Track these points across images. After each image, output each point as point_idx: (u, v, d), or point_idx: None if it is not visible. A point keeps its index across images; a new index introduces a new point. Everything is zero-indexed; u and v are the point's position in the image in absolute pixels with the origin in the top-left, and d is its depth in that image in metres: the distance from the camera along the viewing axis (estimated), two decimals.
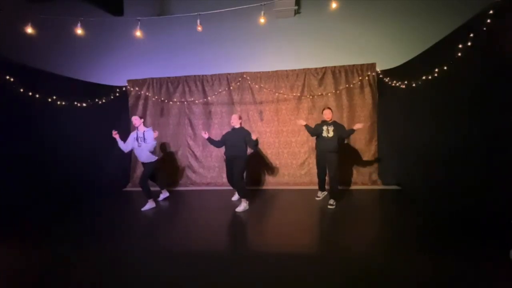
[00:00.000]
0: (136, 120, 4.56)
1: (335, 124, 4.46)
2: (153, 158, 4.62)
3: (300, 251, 2.88)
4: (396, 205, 4.54)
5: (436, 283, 2.16)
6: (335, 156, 4.34)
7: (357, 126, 4.25)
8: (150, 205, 4.60)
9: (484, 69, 3.08)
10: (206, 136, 4.48)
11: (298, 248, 2.94)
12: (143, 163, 4.63)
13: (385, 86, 5.51)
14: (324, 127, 4.41)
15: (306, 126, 4.59)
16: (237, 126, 4.48)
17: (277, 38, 6.13)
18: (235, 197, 4.88)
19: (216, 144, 4.58)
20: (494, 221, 2.89)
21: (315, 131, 4.53)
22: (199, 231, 3.56)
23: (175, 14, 6.02)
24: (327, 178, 4.66)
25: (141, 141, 4.47)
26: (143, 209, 4.52)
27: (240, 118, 4.55)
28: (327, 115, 4.47)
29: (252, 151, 5.25)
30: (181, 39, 6.39)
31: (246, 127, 6.06)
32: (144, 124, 6.33)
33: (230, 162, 4.48)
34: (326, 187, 4.81)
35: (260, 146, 6.13)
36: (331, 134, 4.34)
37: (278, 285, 2.23)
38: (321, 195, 4.84)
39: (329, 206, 4.24)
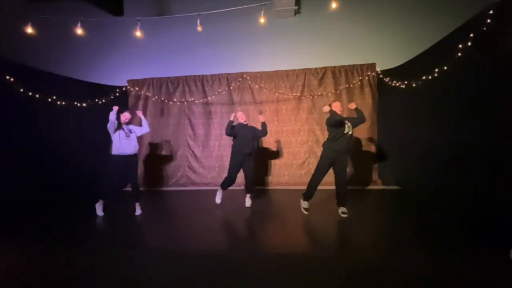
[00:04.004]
0: (129, 115, 4.23)
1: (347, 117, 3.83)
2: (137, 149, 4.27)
3: (300, 251, 2.87)
4: (396, 205, 4.54)
5: (435, 283, 2.16)
6: (347, 158, 3.84)
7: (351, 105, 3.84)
8: (140, 208, 4.32)
9: (484, 69, 3.08)
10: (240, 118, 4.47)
11: (298, 248, 2.94)
12: (130, 156, 4.14)
13: (385, 86, 5.51)
14: (346, 121, 3.68)
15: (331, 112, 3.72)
16: (244, 122, 4.45)
17: (277, 38, 6.13)
18: (218, 199, 4.63)
19: (230, 132, 4.34)
20: (494, 221, 2.89)
21: (340, 121, 3.68)
22: (199, 231, 3.56)
23: (175, 14, 6.01)
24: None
25: (128, 132, 4.12)
26: (139, 212, 4.25)
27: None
28: (340, 107, 3.77)
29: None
30: (181, 39, 6.39)
31: None
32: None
33: (243, 159, 4.36)
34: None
35: (260, 146, 6.14)
36: (350, 129, 3.72)
37: (278, 285, 2.23)
38: (307, 206, 4.01)
39: (342, 215, 3.78)
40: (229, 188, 4.65)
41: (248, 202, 4.53)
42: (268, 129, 6.07)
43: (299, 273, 2.39)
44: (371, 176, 5.79)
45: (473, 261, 2.46)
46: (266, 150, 6.12)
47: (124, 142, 4.08)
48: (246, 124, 4.49)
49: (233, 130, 4.34)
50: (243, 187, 4.69)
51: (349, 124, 3.76)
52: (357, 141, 5.84)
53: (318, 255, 2.77)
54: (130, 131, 4.19)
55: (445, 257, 2.54)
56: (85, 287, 2.32)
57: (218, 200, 4.64)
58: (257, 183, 6.01)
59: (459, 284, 2.14)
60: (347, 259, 2.64)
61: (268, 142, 6.11)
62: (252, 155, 4.49)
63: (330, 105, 3.82)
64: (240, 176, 4.57)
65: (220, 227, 3.78)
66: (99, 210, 4.26)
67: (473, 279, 2.18)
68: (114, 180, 4.20)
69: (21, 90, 4.17)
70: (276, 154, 6.10)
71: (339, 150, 3.73)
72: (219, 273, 2.44)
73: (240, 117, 4.45)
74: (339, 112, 3.73)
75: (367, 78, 5.76)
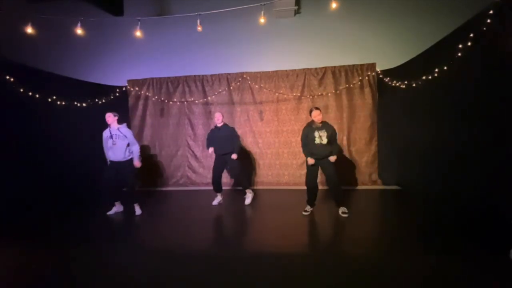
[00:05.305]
0: (109, 117, 4.16)
1: (326, 126, 3.84)
2: (134, 154, 4.27)
3: (300, 251, 2.88)
4: (396, 205, 4.54)
5: (435, 283, 2.16)
6: (330, 160, 3.83)
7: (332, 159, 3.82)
8: (140, 208, 4.38)
9: (484, 69, 3.08)
10: (211, 150, 4.53)
11: (298, 248, 2.94)
12: (120, 162, 4.18)
13: (385, 86, 5.51)
14: (316, 133, 3.77)
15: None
16: (220, 124, 4.50)
17: (277, 38, 6.13)
18: (216, 201, 4.71)
19: (208, 146, 4.61)
20: (494, 221, 2.89)
21: (306, 142, 3.88)
22: (198, 231, 3.56)
23: (175, 14, 6.01)
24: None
25: (116, 139, 4.11)
26: (139, 212, 4.30)
27: (222, 116, 4.59)
28: (318, 116, 3.79)
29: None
30: (181, 39, 6.39)
31: (246, 127, 6.10)
32: (144, 123, 6.41)
33: (222, 159, 4.50)
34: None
35: (260, 146, 6.14)
36: (324, 140, 3.75)
37: (278, 285, 2.23)
38: (310, 209, 4.08)
39: (343, 215, 3.81)
40: (225, 188, 4.72)
41: (247, 200, 4.59)
42: (268, 129, 6.19)
43: (298, 273, 2.39)
44: (371, 176, 5.79)
45: (473, 261, 2.46)
46: (266, 150, 6.12)
47: (109, 150, 4.19)
48: (221, 126, 4.50)
49: (208, 143, 4.58)
50: (241, 188, 4.73)
51: (321, 134, 3.77)
52: (357, 141, 5.84)
53: (318, 255, 2.77)
54: (117, 138, 4.15)
55: (445, 257, 2.54)
56: (85, 287, 2.32)
57: (214, 202, 4.71)
58: (256, 183, 6.07)
59: (459, 284, 2.14)
60: (347, 259, 2.64)
61: (268, 142, 6.11)
62: (230, 155, 4.44)
63: (311, 111, 3.89)
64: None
65: (219, 227, 3.79)
66: (113, 209, 4.39)
67: (473, 279, 2.18)
68: (110, 183, 4.21)
69: (21, 90, 4.17)
70: (276, 154, 6.09)
71: (318, 157, 3.82)
72: (219, 273, 2.44)
73: (217, 119, 4.50)
74: (318, 120, 3.80)
75: (367, 78, 5.76)
